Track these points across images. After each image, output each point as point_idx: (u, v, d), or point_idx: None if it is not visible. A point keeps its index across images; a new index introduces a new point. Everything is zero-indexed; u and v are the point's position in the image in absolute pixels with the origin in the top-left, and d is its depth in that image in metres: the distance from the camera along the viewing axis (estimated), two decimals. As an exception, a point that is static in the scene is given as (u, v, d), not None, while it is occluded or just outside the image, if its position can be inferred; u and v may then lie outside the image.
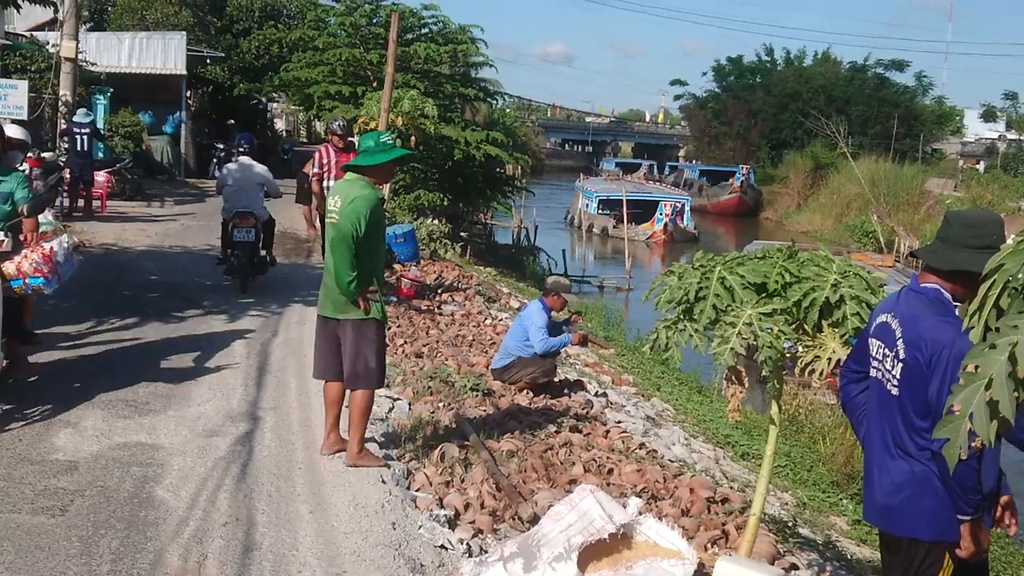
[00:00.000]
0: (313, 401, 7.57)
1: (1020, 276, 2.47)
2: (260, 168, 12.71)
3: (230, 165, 12.85)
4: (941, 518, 3.74)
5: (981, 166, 59.82)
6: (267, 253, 12.87)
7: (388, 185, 18.14)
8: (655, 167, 70.55)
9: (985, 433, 2.28)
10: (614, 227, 43.06)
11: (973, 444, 2.37)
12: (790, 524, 7.46)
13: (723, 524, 6.18)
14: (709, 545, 5.79)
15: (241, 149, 12.85)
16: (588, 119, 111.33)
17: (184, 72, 27.88)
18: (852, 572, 6.48)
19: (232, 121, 32.41)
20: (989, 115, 62.50)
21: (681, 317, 5.09)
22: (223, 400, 7.77)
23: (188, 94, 30.18)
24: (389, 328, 7.45)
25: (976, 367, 2.32)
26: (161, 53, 27.53)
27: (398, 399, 8.22)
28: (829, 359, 4.65)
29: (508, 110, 40.74)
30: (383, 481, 6.17)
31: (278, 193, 13.34)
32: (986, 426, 2.27)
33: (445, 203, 22.77)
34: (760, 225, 55.18)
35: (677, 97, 77.91)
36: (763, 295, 4.92)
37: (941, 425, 2.37)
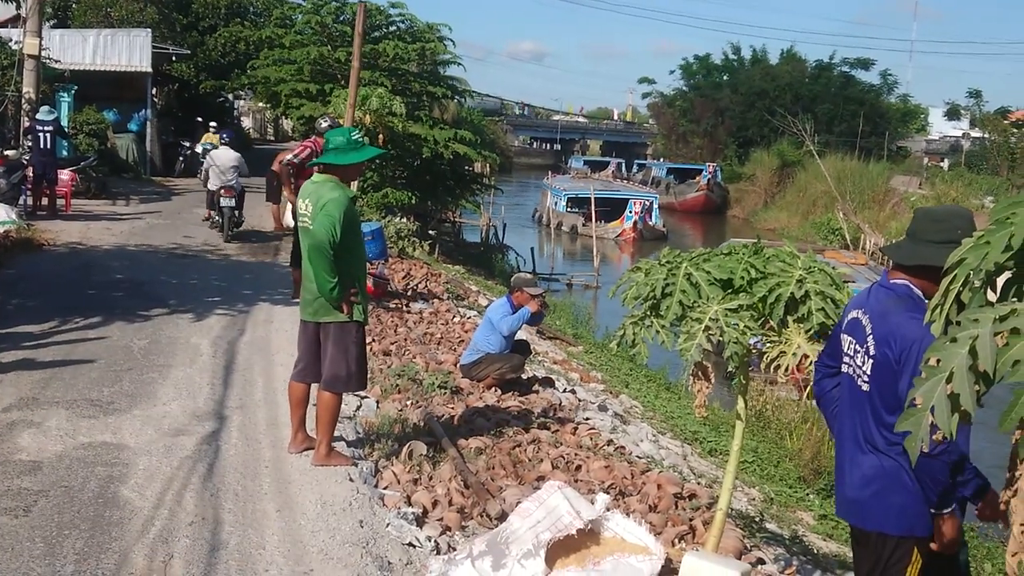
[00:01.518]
0: (280, 399, 7.53)
1: (981, 270, 2.48)
2: (235, 154, 17.45)
3: (215, 152, 17.90)
4: (909, 513, 3.76)
5: (945, 164, 60.34)
6: (240, 213, 17.39)
7: (356, 183, 18.12)
8: (623, 165, 70.66)
9: (946, 426, 2.29)
10: (583, 225, 43.10)
11: (935, 437, 2.39)
12: (757, 519, 7.50)
13: (690, 519, 6.21)
14: (676, 540, 5.81)
15: (223, 141, 18.20)
16: (556, 117, 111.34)
17: (149, 69, 27.66)
18: (818, 566, 6.51)
19: (201, 119, 32.25)
20: (953, 113, 63.14)
21: (648, 313, 5.11)
22: (189, 399, 7.72)
23: (153, 91, 29.95)
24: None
25: (938, 361, 2.34)
26: (126, 50, 27.30)
27: (366, 397, 8.20)
28: (794, 354, 4.67)
29: (480, 111, 40.58)
30: (350, 479, 6.15)
31: (247, 173, 17.78)
32: (947, 419, 2.29)
33: (413, 201, 22.72)
34: (727, 223, 55.41)
35: (645, 95, 78.32)
36: (729, 291, 4.94)
37: (903, 418, 2.39)
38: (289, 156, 11.91)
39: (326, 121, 11.94)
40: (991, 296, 2.50)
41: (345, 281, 6.11)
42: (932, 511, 3.69)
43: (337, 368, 6.26)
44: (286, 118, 35.86)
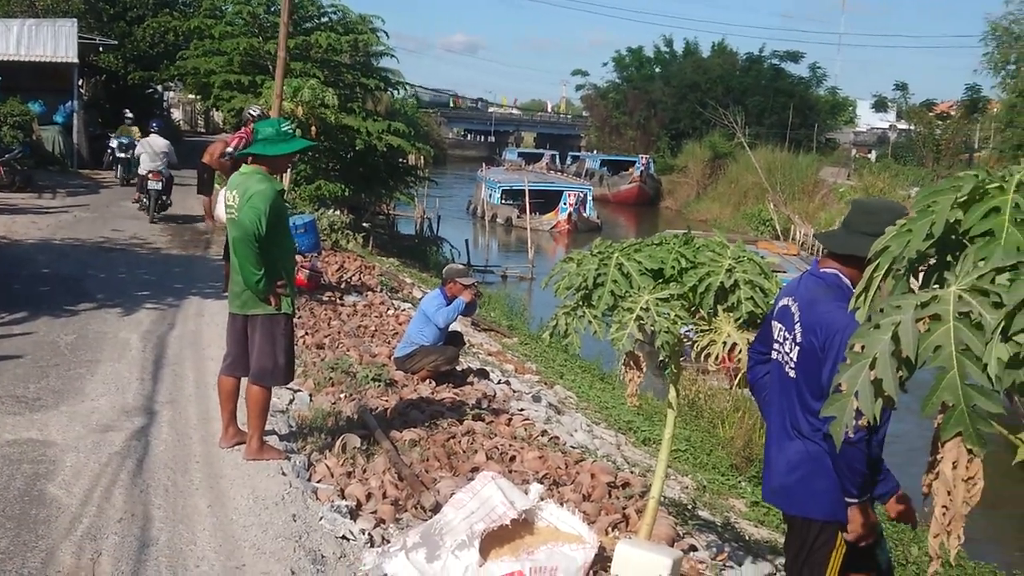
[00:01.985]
0: (211, 394, 7.44)
1: (904, 258, 2.52)
2: (164, 142, 18.92)
3: (148, 138, 19.15)
4: (833, 498, 3.82)
5: (873, 155, 61.33)
6: (167, 197, 18.55)
7: (289, 175, 17.99)
8: (557, 157, 70.88)
9: (870, 410, 2.32)
10: (517, 217, 43.18)
11: (859, 422, 2.42)
12: (690, 507, 7.58)
13: (624, 508, 6.26)
14: (610, 529, 5.85)
15: (152, 130, 19.42)
16: (490, 109, 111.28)
17: (76, 60, 27.06)
18: (749, 552, 6.59)
19: (129, 110, 31.71)
20: (880, 105, 64.09)
21: (580, 303, 5.13)
22: (118, 395, 7.60)
23: (80, 83, 29.35)
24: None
25: (862, 347, 2.37)
26: (51, 40, 26.69)
27: (299, 391, 8.14)
28: (724, 343, 4.72)
29: (414, 103, 40.25)
30: (283, 473, 6.11)
31: (176, 162, 19.20)
32: (871, 404, 2.32)
33: (347, 194, 22.60)
34: (660, 214, 55.82)
35: (579, 87, 78.78)
36: (660, 281, 4.98)
37: (828, 403, 2.42)
38: (228, 149, 11.72)
39: (254, 110, 11.80)
40: (914, 284, 2.54)
41: (272, 273, 6.06)
42: (846, 499, 3.76)
43: (265, 361, 6.21)
44: (217, 110, 35.41)
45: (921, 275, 2.56)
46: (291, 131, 6.46)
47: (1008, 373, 2.09)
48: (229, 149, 11.51)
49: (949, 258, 2.46)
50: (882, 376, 2.29)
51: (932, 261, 2.52)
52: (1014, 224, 2.31)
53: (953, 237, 2.45)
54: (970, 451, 2.23)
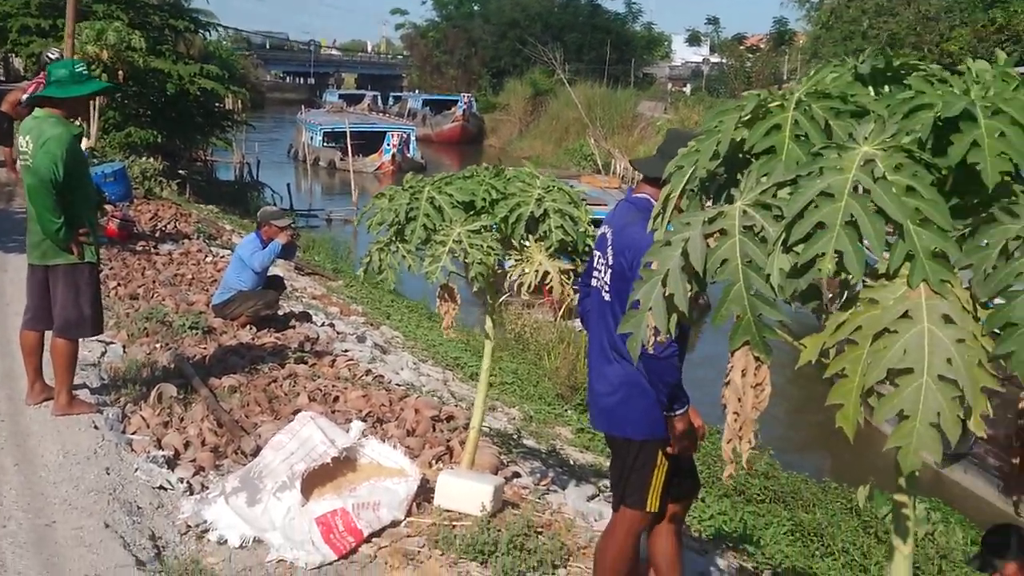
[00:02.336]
0: (15, 350, 7.07)
1: (695, 178, 2.59)
2: None
3: None
4: (652, 418, 3.93)
5: (688, 88, 62.89)
6: None
7: (97, 122, 17.26)
8: (379, 98, 70.11)
9: (664, 325, 2.38)
10: (340, 159, 42.56)
11: (659, 339, 2.48)
12: (515, 437, 7.70)
13: (448, 441, 6.31)
14: (433, 461, 5.90)
15: None
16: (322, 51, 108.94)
17: None
18: (574, 476, 6.76)
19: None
20: (694, 40, 65.94)
21: (393, 239, 5.10)
22: (-89, 357, 7.19)
23: None
24: (100, 271, 7.06)
25: (655, 264, 2.43)
26: None
27: (111, 343, 7.85)
28: (536, 272, 4.78)
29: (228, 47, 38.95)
30: (95, 427, 5.90)
31: None
32: (665, 319, 2.38)
33: (159, 140, 21.84)
34: (484, 152, 55.90)
35: (399, 27, 78.01)
36: (472, 213, 5.00)
37: (625, 320, 2.47)
38: (23, 96, 11.10)
39: (54, 54, 11.22)
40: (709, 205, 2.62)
41: (72, 221, 5.79)
42: (665, 413, 3.87)
43: (69, 313, 5.96)
44: (15, 56, 33.53)
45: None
46: (86, 72, 6.17)
47: (789, 282, 2.18)
48: (24, 96, 10.92)
49: (738, 176, 2.54)
50: (674, 291, 2.35)
51: (722, 180, 2.59)
52: (794, 140, 2.39)
53: (740, 155, 2.53)
54: (757, 359, 2.32)
